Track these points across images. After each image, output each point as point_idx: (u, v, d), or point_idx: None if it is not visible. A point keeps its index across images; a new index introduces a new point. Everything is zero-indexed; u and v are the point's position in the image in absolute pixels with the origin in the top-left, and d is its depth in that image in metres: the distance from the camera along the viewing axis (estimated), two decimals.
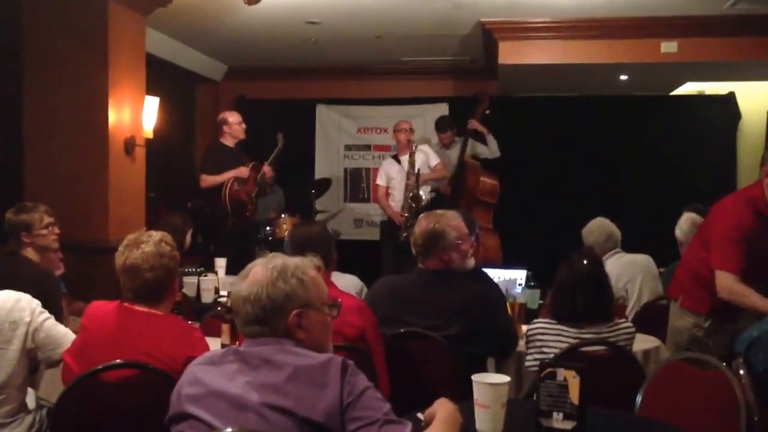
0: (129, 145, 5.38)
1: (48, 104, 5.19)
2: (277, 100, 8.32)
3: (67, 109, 5.16)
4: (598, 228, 4.41)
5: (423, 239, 3.03)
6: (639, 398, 2.38)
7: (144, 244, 2.50)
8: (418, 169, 6.35)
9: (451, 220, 3.08)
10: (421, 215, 3.23)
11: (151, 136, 5.62)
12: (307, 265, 1.89)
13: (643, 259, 4.36)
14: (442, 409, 1.84)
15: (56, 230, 3.73)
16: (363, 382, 1.72)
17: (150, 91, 5.66)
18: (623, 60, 6.55)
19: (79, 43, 5.16)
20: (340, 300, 2.00)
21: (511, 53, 6.57)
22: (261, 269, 1.83)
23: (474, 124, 6.80)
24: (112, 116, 5.21)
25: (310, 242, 2.85)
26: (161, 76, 6.67)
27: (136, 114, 5.50)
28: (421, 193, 6.34)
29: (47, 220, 3.68)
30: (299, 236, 2.96)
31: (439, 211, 3.18)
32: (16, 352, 2.63)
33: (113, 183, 5.21)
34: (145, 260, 2.47)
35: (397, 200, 6.57)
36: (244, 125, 6.29)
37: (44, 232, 3.65)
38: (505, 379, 1.98)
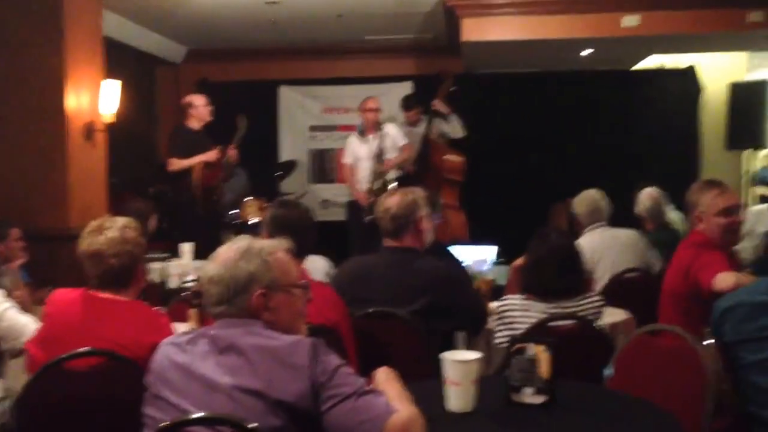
0: (88, 130, 5.26)
1: (2, 88, 5.06)
2: (239, 82, 8.21)
3: (22, 93, 5.04)
4: (585, 200, 4.43)
5: (393, 217, 3.00)
6: (608, 371, 2.40)
7: (107, 230, 2.46)
8: (385, 153, 6.33)
9: (419, 198, 3.06)
10: (386, 195, 3.20)
11: (112, 120, 5.51)
12: (275, 246, 1.90)
13: (626, 234, 4.37)
14: (377, 374, 1.90)
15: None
16: (334, 361, 1.72)
17: (109, 74, 5.55)
18: (584, 35, 6.56)
19: (33, 25, 5.03)
20: (307, 282, 1.99)
21: (473, 30, 6.55)
22: (225, 250, 1.86)
23: (437, 104, 6.78)
24: (70, 100, 5.10)
25: (288, 225, 2.81)
26: (120, 60, 6.54)
27: (95, 98, 5.38)
28: (387, 178, 6.33)
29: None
30: (277, 218, 2.89)
31: (406, 189, 3.17)
32: None
33: (73, 169, 5.11)
34: (109, 246, 2.43)
35: (361, 180, 6.54)
36: (210, 107, 6.20)
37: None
38: (475, 355, 1.98)
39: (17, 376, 2.90)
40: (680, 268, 3.21)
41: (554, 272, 2.82)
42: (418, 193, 3.10)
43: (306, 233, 2.84)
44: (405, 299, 2.86)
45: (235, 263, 1.82)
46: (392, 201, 3.03)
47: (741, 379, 2.16)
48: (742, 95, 7.71)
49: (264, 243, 1.90)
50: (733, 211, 3.23)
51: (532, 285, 2.87)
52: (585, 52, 7.35)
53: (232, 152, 6.26)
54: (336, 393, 1.67)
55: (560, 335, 2.61)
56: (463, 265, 3.46)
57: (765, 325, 2.13)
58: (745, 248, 4.83)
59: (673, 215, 5.36)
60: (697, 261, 3.12)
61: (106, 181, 5.56)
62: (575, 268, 2.89)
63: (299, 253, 2.79)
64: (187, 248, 4.99)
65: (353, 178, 6.63)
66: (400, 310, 2.81)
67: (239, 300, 1.80)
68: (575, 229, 4.43)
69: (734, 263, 3.25)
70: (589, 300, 2.85)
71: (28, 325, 2.67)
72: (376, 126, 6.51)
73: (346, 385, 1.68)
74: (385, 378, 1.88)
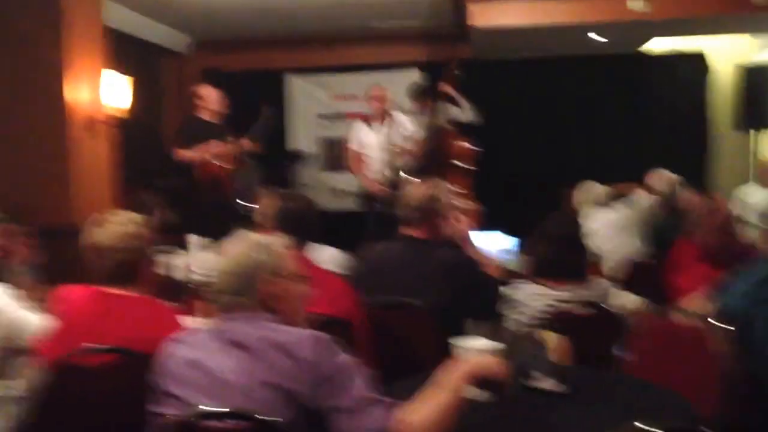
0: (90, 123, 5.23)
1: (1, 82, 5.03)
2: (245, 71, 8.18)
3: (21, 86, 5.00)
4: (582, 187, 4.47)
5: (418, 205, 3.03)
6: (617, 353, 2.40)
7: (110, 224, 2.41)
8: (394, 143, 6.30)
9: (444, 190, 3.11)
10: (416, 182, 3.22)
11: (123, 114, 5.49)
12: (276, 240, 1.97)
13: (618, 217, 4.39)
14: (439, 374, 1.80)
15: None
16: (342, 358, 1.73)
17: (113, 66, 5.52)
18: (591, 19, 6.52)
19: (32, 16, 4.99)
20: (309, 276, 2.00)
21: (479, 15, 6.50)
22: (233, 243, 1.91)
23: (446, 87, 6.73)
24: (70, 92, 5.06)
25: (292, 217, 2.81)
26: (124, 51, 6.52)
27: (96, 90, 5.34)
28: (398, 168, 6.30)
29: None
30: (281, 211, 2.89)
31: (432, 180, 3.21)
32: None
33: (75, 163, 5.07)
34: (111, 240, 2.38)
35: (372, 170, 6.50)
36: (220, 98, 6.17)
37: None
38: (488, 344, 1.97)
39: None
40: None
41: (555, 255, 2.83)
42: (443, 186, 3.14)
43: (310, 224, 2.85)
44: (423, 289, 2.86)
45: (244, 254, 1.86)
46: (418, 191, 3.07)
47: None
48: (750, 77, 7.67)
49: (266, 237, 1.97)
50: None
51: (537, 268, 2.87)
52: (593, 36, 7.30)
53: (246, 143, 6.21)
54: (337, 398, 1.67)
55: (570, 319, 2.61)
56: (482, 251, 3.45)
57: None
58: None
59: None
60: None
61: (112, 175, 5.53)
62: (579, 250, 2.89)
63: (305, 243, 2.81)
64: (195, 240, 4.97)
65: (362, 166, 6.60)
66: (417, 300, 2.81)
67: (246, 292, 1.83)
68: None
69: None
70: (596, 284, 2.85)
71: (30, 322, 2.65)
72: (384, 115, 6.48)
73: (350, 389, 1.68)
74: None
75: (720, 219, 3.15)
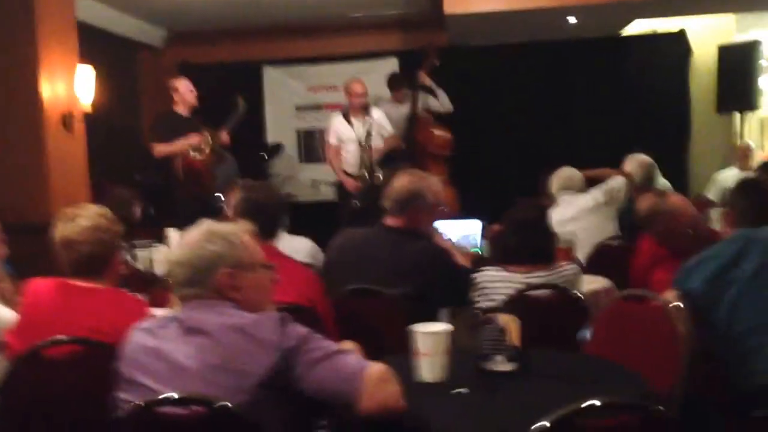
0: (66, 119, 5.21)
1: None
2: (222, 63, 8.12)
3: None
4: (556, 173, 4.57)
5: (401, 195, 3.01)
6: (582, 336, 2.41)
7: (79, 218, 2.44)
8: (372, 140, 6.29)
9: (433, 185, 3.08)
10: (402, 172, 3.19)
11: (90, 109, 5.46)
12: (238, 229, 1.96)
13: (585, 200, 4.44)
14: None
15: None
16: (302, 329, 1.76)
17: (87, 61, 5.49)
18: (568, 2, 6.50)
19: (4, 13, 4.95)
20: (273, 264, 2.00)
21: (455, 3, 6.47)
22: (192, 233, 1.91)
23: (423, 77, 6.73)
24: (45, 89, 5.03)
25: (256, 207, 2.81)
26: (99, 46, 6.47)
27: (71, 86, 5.31)
28: (375, 166, 6.28)
29: None
30: (244, 200, 2.89)
31: (421, 172, 3.20)
32: None
33: (51, 159, 5.05)
34: (80, 234, 2.41)
35: (350, 164, 6.49)
36: (193, 92, 6.14)
37: None
38: (443, 327, 1.99)
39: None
40: None
41: (519, 241, 2.84)
42: (429, 179, 3.12)
43: (273, 214, 2.85)
44: (395, 279, 2.86)
45: (199, 245, 1.86)
46: (402, 181, 3.05)
47: None
48: (732, 57, 7.60)
49: (228, 225, 1.96)
50: None
51: (503, 253, 2.88)
52: (571, 20, 7.28)
53: (224, 136, 6.19)
54: (310, 356, 1.71)
55: (537, 304, 2.62)
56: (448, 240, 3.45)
57: None
58: None
59: (662, 183, 5.35)
60: None
61: (87, 170, 5.51)
62: (540, 236, 2.89)
63: (269, 233, 2.81)
64: (173, 234, 4.96)
65: (338, 161, 6.57)
66: (387, 289, 2.81)
67: (206, 281, 1.82)
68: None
69: None
70: (564, 269, 2.86)
71: (5, 316, 2.66)
72: (363, 110, 6.45)
73: (318, 348, 1.73)
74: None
75: (680, 223, 3.13)
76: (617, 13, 7.18)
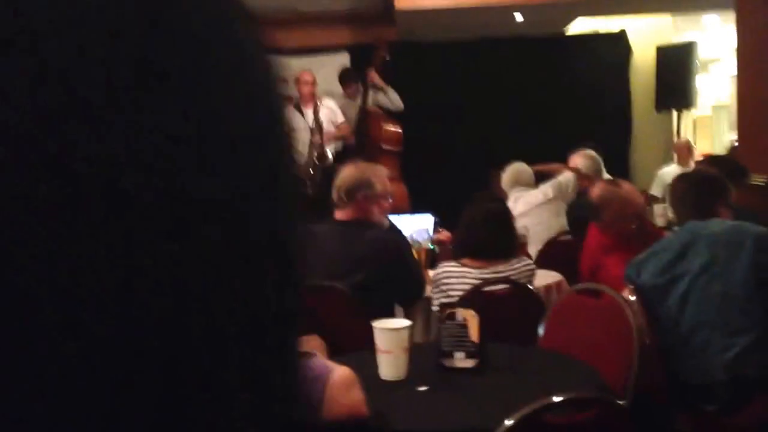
0: None
1: None
2: None
3: None
4: (508, 169, 4.61)
5: (347, 185, 2.97)
6: (539, 331, 2.45)
7: None
8: (323, 126, 6.26)
9: (379, 174, 3.05)
10: (348, 163, 3.17)
11: None
12: None
13: (535, 195, 4.52)
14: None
15: None
16: None
17: None
18: (513, 0, 6.58)
19: None
20: None
21: None
22: None
23: (372, 76, 6.72)
24: None
25: None
26: None
27: None
28: (327, 151, 6.26)
29: None
30: None
31: (368, 163, 3.19)
32: None
33: None
34: None
35: (302, 154, 6.46)
36: None
37: None
38: (405, 323, 1.99)
39: None
40: None
41: (486, 235, 2.84)
42: (376, 168, 3.10)
43: None
44: (347, 271, 2.83)
45: None
46: (348, 173, 3.02)
47: None
48: (669, 58, 7.83)
49: None
50: None
51: (465, 249, 2.88)
52: (518, 17, 7.37)
53: None
54: None
55: (495, 299, 2.65)
56: (404, 235, 3.45)
57: None
58: None
59: (607, 178, 5.45)
60: None
61: None
62: (507, 230, 2.92)
63: None
64: None
65: None
66: (340, 283, 2.79)
67: None
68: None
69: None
70: (523, 263, 2.89)
71: None
72: (312, 99, 6.42)
73: None
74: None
75: (632, 209, 3.20)
76: (561, 11, 7.31)
